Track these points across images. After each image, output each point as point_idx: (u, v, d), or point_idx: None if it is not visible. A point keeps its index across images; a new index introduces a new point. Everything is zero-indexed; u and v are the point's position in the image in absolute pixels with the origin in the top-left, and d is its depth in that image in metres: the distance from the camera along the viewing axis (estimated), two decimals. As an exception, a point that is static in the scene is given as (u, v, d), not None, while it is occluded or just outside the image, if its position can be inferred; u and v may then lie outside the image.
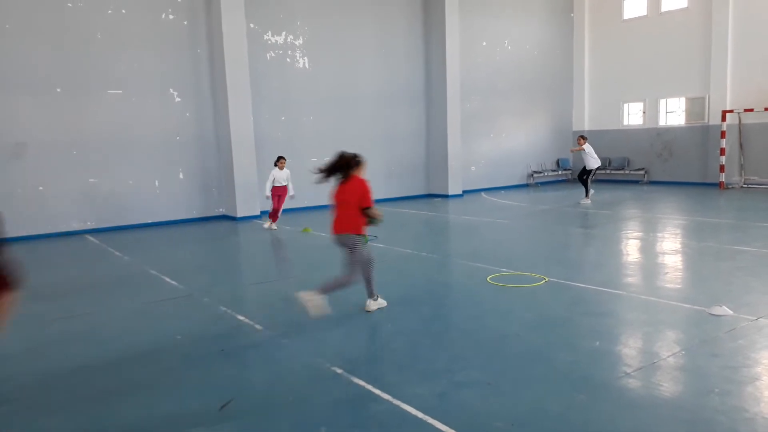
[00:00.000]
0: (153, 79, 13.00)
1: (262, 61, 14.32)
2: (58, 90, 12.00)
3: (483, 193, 18.08)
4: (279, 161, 11.68)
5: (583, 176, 15.10)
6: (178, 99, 13.36)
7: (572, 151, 17.03)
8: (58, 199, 12.14)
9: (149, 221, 13.19)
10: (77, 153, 12.27)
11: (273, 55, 14.53)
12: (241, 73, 13.46)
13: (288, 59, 14.78)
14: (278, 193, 11.79)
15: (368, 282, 5.98)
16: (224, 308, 6.37)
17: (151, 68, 12.94)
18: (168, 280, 7.86)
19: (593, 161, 14.92)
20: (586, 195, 14.98)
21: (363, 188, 5.68)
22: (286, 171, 11.74)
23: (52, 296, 7.21)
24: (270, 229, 11.96)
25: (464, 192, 17.80)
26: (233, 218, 13.76)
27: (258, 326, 5.72)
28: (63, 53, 11.98)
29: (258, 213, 13.95)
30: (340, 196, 5.77)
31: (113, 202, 12.73)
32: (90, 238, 11.86)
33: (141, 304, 6.74)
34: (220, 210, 14.17)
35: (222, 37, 13.15)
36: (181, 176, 13.57)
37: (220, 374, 4.58)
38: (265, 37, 14.38)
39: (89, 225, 12.53)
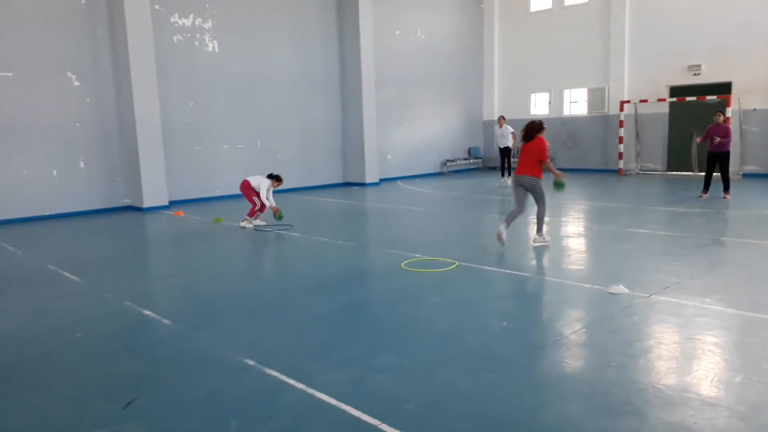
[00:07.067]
0: (48, 61, 12.12)
1: (169, 44, 13.70)
2: (-63, 71, 10.95)
3: (399, 182, 18.28)
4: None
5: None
6: (77, 83, 12.54)
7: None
8: (-60, 191, 11.12)
9: (47, 213, 12.36)
10: (-39, 140, 11.28)
11: (180, 38, 13.93)
12: (145, 57, 12.80)
13: (196, 42, 14.23)
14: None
15: (540, 218, 7.95)
16: (129, 303, 6.07)
17: (46, 49, 12.05)
18: (67, 275, 7.39)
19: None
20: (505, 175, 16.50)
21: (543, 146, 7.81)
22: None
23: (-66, 296, 6.61)
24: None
25: (381, 180, 17.94)
26: (139, 209, 13.14)
27: (165, 321, 5.50)
28: (-59, 31, 10.93)
29: (166, 203, 13.40)
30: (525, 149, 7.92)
31: (5, 193, 11.81)
32: (-22, 232, 10.96)
33: (37, 302, 6.30)
34: (126, 201, 13.49)
35: (124, 19, 12.44)
36: (81, 165, 12.78)
37: (125, 372, 4.36)
38: (172, 19, 13.76)
39: (-23, 218, 11.58)
